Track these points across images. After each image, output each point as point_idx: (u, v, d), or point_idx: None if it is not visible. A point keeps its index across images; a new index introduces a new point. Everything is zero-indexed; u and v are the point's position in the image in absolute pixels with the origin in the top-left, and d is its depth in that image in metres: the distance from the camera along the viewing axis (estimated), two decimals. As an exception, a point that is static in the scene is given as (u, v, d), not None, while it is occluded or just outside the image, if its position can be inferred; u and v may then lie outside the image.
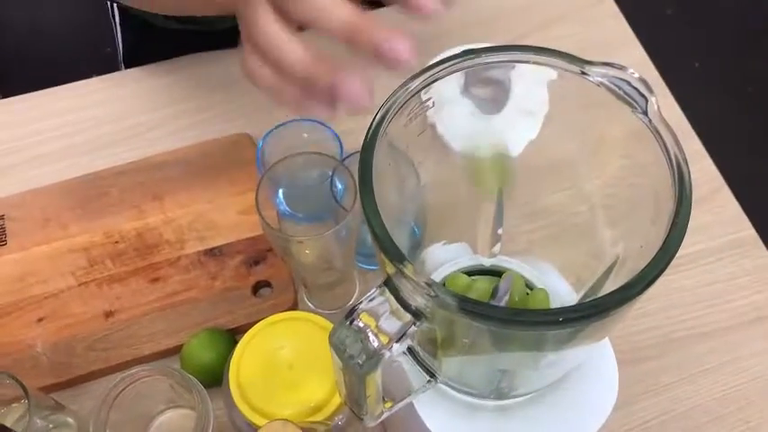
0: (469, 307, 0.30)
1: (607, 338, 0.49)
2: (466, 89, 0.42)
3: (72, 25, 1.90)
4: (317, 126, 0.68)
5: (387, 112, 0.36)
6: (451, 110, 0.43)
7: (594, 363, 0.48)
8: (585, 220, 0.46)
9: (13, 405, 0.57)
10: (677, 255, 0.70)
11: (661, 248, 0.32)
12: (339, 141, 0.67)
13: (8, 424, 0.54)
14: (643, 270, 0.31)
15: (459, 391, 0.46)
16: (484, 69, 0.40)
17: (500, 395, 0.45)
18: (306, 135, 0.69)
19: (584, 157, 0.42)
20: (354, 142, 0.65)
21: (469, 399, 0.46)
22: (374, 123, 0.36)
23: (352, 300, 0.68)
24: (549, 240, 0.50)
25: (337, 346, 0.34)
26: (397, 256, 0.32)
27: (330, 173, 0.59)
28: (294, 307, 0.67)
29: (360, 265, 0.69)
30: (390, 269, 0.33)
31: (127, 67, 0.87)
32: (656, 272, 0.31)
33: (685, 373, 0.65)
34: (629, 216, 0.41)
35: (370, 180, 0.34)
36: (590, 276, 0.45)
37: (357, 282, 0.68)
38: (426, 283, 0.31)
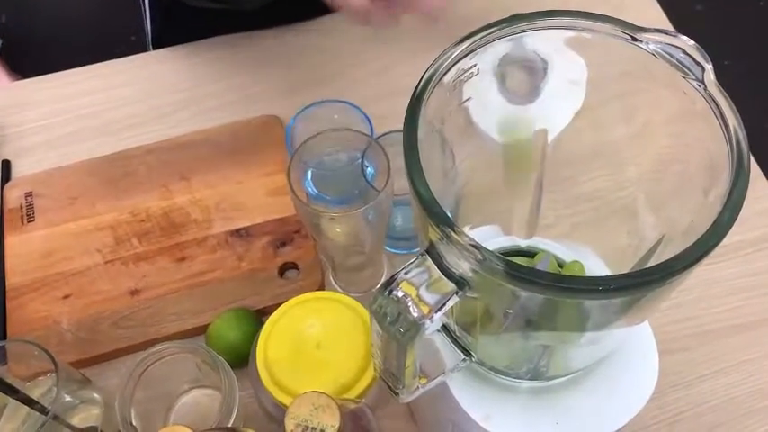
0: (517, 272, 0.29)
1: (648, 326, 0.48)
2: (501, 83, 0.41)
3: (99, 10, 1.91)
4: (347, 107, 0.67)
5: (433, 74, 0.35)
6: (487, 93, 0.41)
7: (633, 349, 0.46)
8: (630, 200, 0.44)
9: (40, 378, 0.56)
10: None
11: (724, 207, 0.30)
12: (370, 123, 0.66)
13: (35, 397, 0.53)
14: (705, 233, 0.30)
15: (493, 370, 0.45)
16: (524, 45, 0.39)
17: (536, 375, 0.43)
18: (336, 116, 0.68)
19: (633, 129, 0.41)
20: (384, 126, 0.64)
21: (504, 380, 0.45)
22: (421, 83, 0.35)
23: (380, 283, 0.67)
24: (588, 223, 0.48)
25: (378, 314, 0.33)
26: (443, 220, 0.31)
27: (359, 155, 0.58)
28: (321, 289, 0.66)
29: (388, 248, 0.68)
30: (435, 235, 0.32)
31: (155, 48, 0.87)
32: (720, 232, 0.30)
33: (720, 365, 0.63)
34: (678, 192, 0.39)
35: (415, 141, 0.33)
36: (631, 258, 0.44)
37: (385, 265, 0.67)
38: (473, 245, 0.29)
